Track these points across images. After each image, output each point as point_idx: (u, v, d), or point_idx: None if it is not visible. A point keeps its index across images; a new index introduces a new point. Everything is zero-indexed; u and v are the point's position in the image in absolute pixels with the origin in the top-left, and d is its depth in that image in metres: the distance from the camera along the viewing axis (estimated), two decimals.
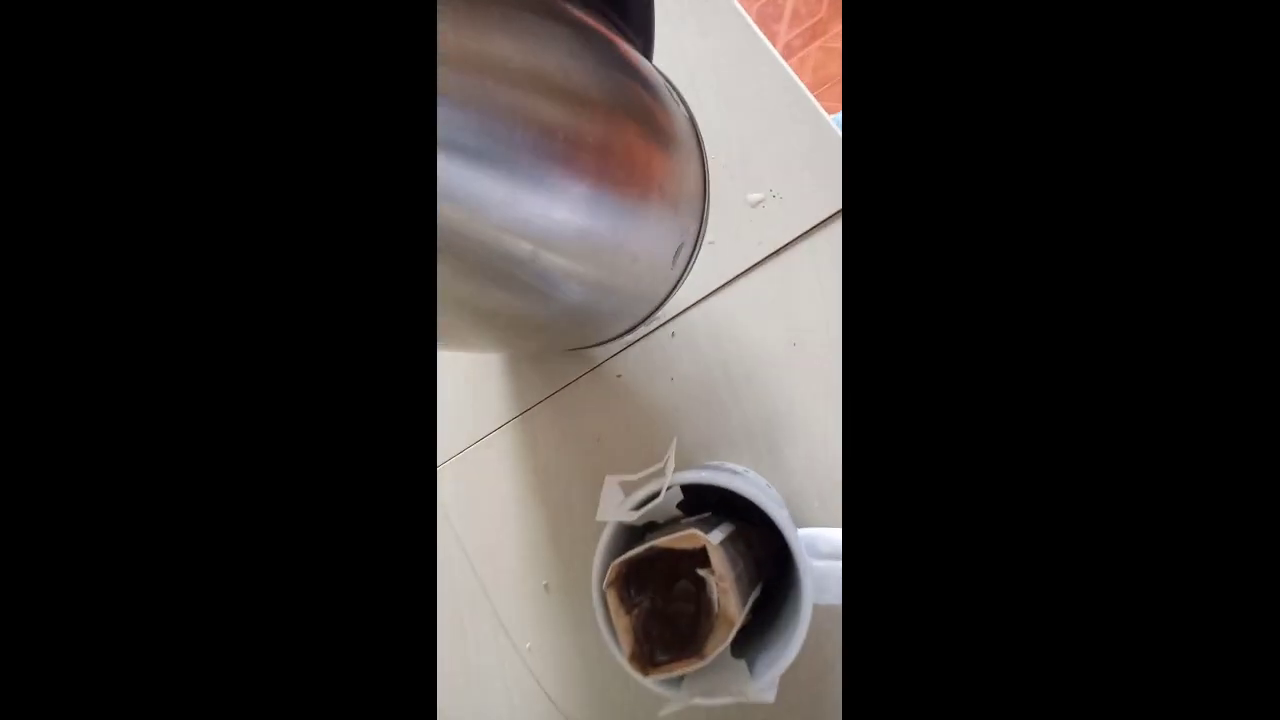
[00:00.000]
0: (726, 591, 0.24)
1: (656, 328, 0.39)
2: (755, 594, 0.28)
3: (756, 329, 0.38)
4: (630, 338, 0.37)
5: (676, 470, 0.28)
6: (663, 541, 0.25)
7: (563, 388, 0.40)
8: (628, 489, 0.29)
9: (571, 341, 0.36)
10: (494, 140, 0.19)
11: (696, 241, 0.37)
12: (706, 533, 0.25)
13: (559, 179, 0.22)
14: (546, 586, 0.39)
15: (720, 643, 0.24)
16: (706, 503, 0.31)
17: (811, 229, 0.38)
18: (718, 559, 0.24)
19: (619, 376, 0.39)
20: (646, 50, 0.29)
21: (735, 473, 0.32)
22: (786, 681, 0.28)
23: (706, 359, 0.38)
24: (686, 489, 0.29)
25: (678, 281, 0.37)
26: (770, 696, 0.25)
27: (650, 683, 0.26)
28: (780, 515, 0.27)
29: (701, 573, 0.25)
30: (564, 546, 0.39)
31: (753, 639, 0.29)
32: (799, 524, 0.35)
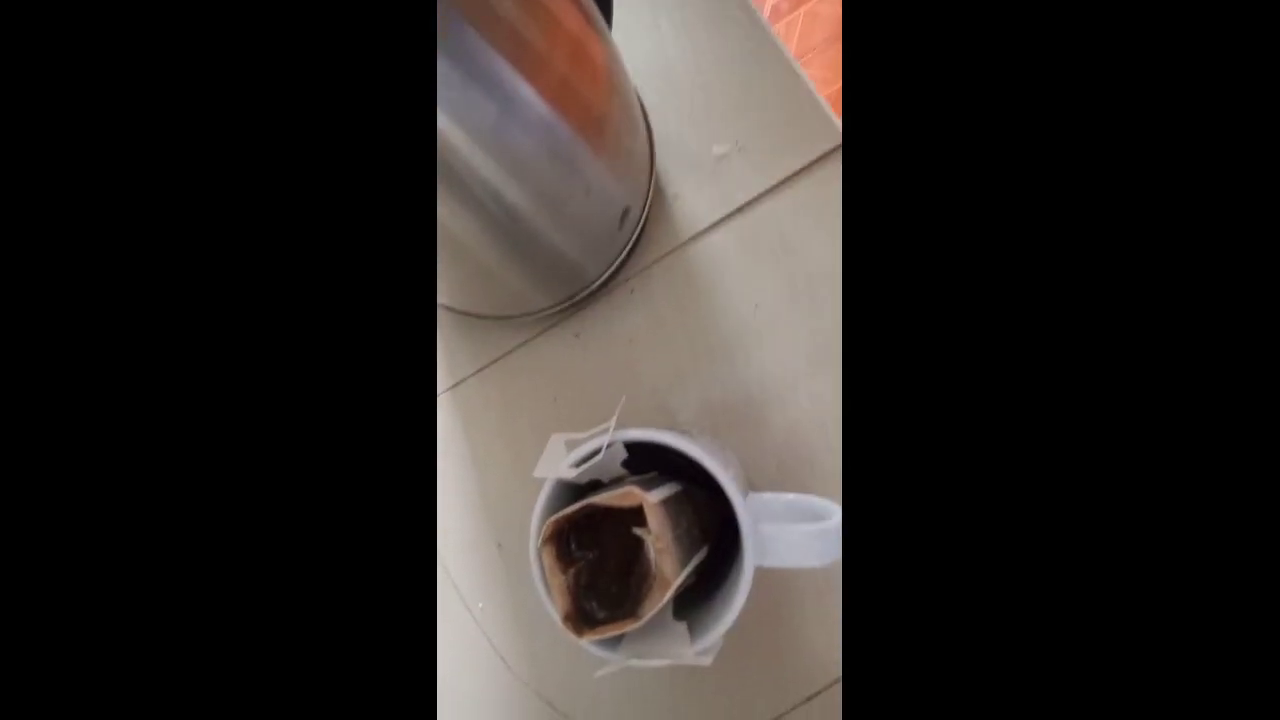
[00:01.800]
0: (663, 551, 0.23)
1: (615, 286, 0.37)
2: (700, 556, 0.28)
3: (718, 289, 0.37)
4: (585, 293, 0.35)
5: (624, 429, 0.27)
6: (600, 499, 0.24)
7: (517, 347, 0.38)
8: (574, 447, 0.28)
9: (517, 293, 0.34)
10: (459, 32, 0.18)
11: (642, 215, 0.35)
12: (647, 491, 0.24)
13: (523, 89, 0.21)
14: (500, 546, 0.38)
15: (656, 604, 0.23)
16: (660, 466, 0.30)
17: (778, 184, 0.36)
18: (655, 518, 0.23)
19: (576, 336, 0.38)
20: (606, 16, 0.27)
21: (685, 435, 0.31)
22: (739, 646, 0.28)
23: (667, 320, 0.37)
24: (639, 452, 0.28)
25: (624, 251, 0.35)
26: (708, 660, 0.24)
27: (587, 644, 0.25)
28: (723, 475, 0.26)
29: (638, 531, 0.24)
30: (518, 506, 0.38)
31: (699, 603, 0.29)
32: (760, 489, 0.34)
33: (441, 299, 0.37)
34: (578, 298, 0.35)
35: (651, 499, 0.24)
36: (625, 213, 0.32)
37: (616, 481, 0.28)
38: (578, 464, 0.26)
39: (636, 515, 0.24)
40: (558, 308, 0.35)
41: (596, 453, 0.26)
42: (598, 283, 0.35)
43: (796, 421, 0.35)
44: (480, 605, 0.38)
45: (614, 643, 0.26)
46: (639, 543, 0.25)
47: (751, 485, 0.35)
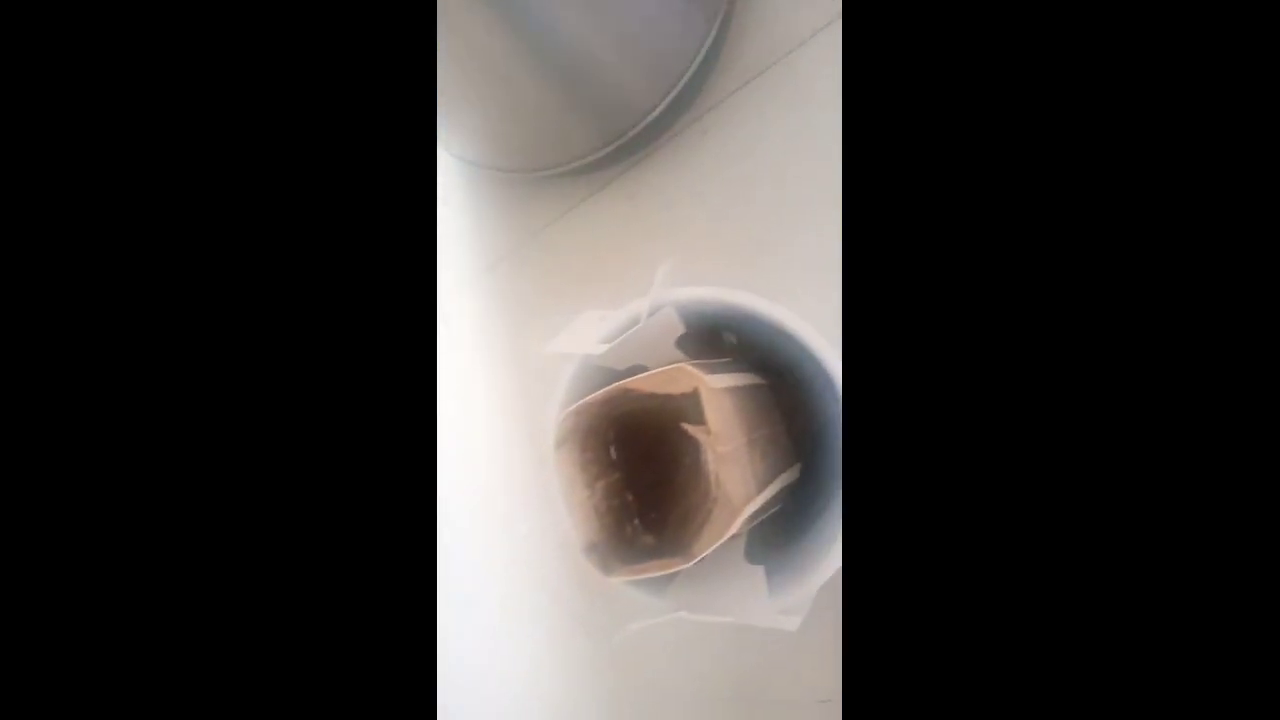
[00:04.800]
0: (727, 459, 0.15)
1: (681, 127, 0.28)
2: (790, 477, 0.19)
3: (824, 126, 0.27)
4: (639, 129, 0.26)
5: (674, 288, 0.19)
6: (637, 380, 0.16)
7: (558, 218, 0.31)
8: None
9: (548, 125, 0.26)
10: None
11: (719, 9, 0.25)
12: (709, 375, 0.16)
13: None
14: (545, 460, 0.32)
15: (717, 536, 0.16)
16: (738, 356, 0.21)
17: None
18: (716, 409, 0.15)
19: (631, 199, 0.29)
20: None
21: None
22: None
23: (754, 171, 0.28)
24: (706, 335, 0.20)
25: (691, 66, 0.25)
26: (793, 623, 0.16)
27: (624, 585, 0.18)
28: (826, 352, 0.17)
29: (690, 430, 0.16)
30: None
31: (788, 543, 0.21)
32: None
33: (459, 150, 0.29)
34: (629, 137, 0.26)
35: (713, 382, 0.16)
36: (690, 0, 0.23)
37: None
38: (608, 338, 0.18)
39: (692, 409, 0.16)
40: (606, 150, 0.27)
41: (636, 322, 0.18)
42: (655, 113, 0.26)
43: None
44: (524, 529, 0.32)
45: (662, 584, 0.19)
46: (699, 451, 0.17)
47: None
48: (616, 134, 0.26)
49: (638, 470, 0.18)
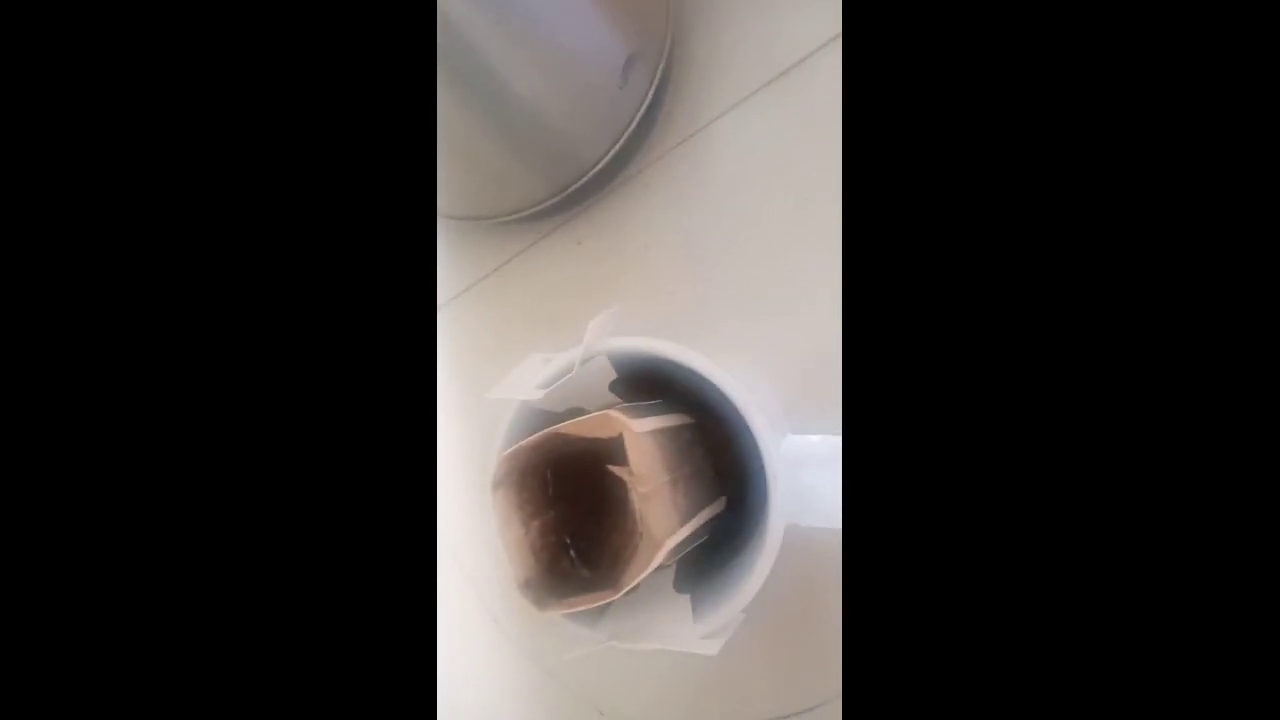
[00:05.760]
0: (650, 498, 0.17)
1: (626, 178, 0.30)
2: (714, 510, 0.21)
3: (755, 180, 0.29)
4: (584, 181, 0.28)
5: (607, 339, 0.20)
6: (568, 426, 0.18)
7: (508, 261, 0.32)
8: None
9: (497, 176, 0.28)
10: None
11: (656, 75, 0.27)
12: (634, 419, 0.17)
13: None
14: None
15: (642, 569, 0.17)
16: (672, 396, 0.23)
17: (829, 42, 0.28)
18: (638, 451, 0.17)
19: (579, 244, 0.31)
20: None
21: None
22: (760, 629, 0.21)
23: (691, 219, 0.30)
24: (639, 379, 0.21)
25: (631, 123, 0.27)
26: (713, 648, 0.18)
27: (560, 618, 0.19)
28: (742, 397, 0.19)
29: (616, 470, 0.17)
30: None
31: (714, 573, 0.22)
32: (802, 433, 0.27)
33: None
34: (573, 188, 0.28)
35: (636, 427, 0.17)
36: (630, 63, 0.25)
37: None
38: (545, 384, 0.19)
39: (618, 452, 0.18)
40: (553, 200, 0.28)
41: (570, 370, 0.19)
42: (599, 165, 0.28)
43: None
44: (470, 567, 0.33)
45: (594, 618, 0.20)
46: (625, 490, 0.18)
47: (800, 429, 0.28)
48: (561, 186, 0.28)
49: (571, 509, 0.19)
